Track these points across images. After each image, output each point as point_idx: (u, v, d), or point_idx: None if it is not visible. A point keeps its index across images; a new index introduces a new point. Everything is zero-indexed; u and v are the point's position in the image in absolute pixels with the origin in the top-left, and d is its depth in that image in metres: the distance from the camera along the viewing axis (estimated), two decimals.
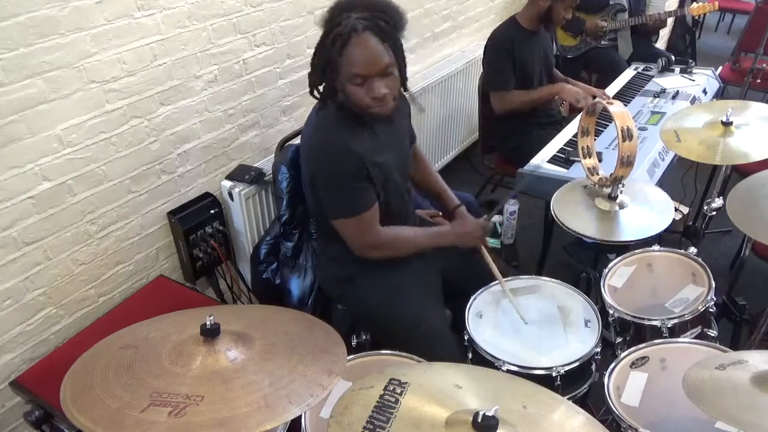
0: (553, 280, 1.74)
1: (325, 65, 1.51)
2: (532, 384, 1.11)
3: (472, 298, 1.67)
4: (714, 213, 2.08)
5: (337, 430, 0.93)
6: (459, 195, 2.30)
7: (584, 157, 1.95)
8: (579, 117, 2.08)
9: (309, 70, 1.58)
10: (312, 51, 1.55)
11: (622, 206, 1.80)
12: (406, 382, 1.01)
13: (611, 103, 1.80)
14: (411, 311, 1.68)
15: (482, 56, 2.84)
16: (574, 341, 1.53)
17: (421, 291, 1.75)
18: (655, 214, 1.78)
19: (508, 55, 2.69)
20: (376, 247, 1.66)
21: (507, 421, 0.92)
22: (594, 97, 2.58)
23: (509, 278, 1.75)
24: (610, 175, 1.82)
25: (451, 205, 1.93)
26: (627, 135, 1.71)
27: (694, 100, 2.74)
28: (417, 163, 1.97)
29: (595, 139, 2.40)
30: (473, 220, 1.83)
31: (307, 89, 1.61)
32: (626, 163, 1.74)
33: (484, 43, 2.80)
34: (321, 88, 1.59)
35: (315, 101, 1.65)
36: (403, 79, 1.58)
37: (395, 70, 1.52)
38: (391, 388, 1.00)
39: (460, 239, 1.78)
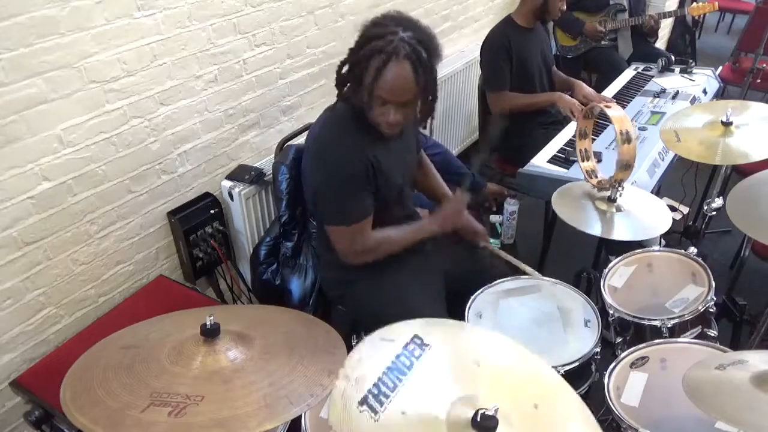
0: (553, 280, 1.74)
1: (355, 69, 1.51)
2: (560, 385, 1.06)
3: (472, 298, 1.67)
4: (714, 213, 2.08)
5: (344, 384, 0.92)
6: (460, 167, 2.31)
7: (582, 160, 1.95)
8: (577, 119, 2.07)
9: (309, 71, 1.57)
10: (312, 51, 1.55)
11: (619, 209, 1.80)
12: (428, 344, 1.00)
13: (609, 107, 1.80)
14: (412, 315, 1.67)
15: (479, 57, 2.85)
16: (574, 341, 1.53)
17: (423, 294, 1.74)
18: (651, 221, 1.77)
19: (506, 53, 2.69)
20: (361, 253, 1.67)
21: (509, 419, 0.92)
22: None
23: (509, 278, 1.75)
24: (610, 177, 1.82)
25: (438, 197, 1.94)
26: (626, 138, 1.71)
27: (694, 100, 2.74)
28: (421, 166, 1.97)
29: (594, 140, 2.41)
30: (447, 200, 1.80)
31: (307, 89, 1.61)
32: (625, 166, 1.74)
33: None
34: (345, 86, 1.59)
35: (314, 102, 1.65)
36: (427, 111, 1.59)
37: (417, 102, 1.53)
38: (411, 347, 0.98)
39: (441, 224, 1.74)
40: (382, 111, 1.51)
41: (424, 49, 1.48)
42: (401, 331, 1.01)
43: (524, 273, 1.79)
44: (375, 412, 0.89)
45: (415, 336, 1.00)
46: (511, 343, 1.10)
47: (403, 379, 0.93)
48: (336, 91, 1.63)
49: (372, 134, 1.59)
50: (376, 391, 0.91)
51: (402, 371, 0.94)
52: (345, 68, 1.56)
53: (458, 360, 1.01)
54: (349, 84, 1.57)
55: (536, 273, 1.77)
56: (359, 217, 1.60)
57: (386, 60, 1.44)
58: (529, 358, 1.10)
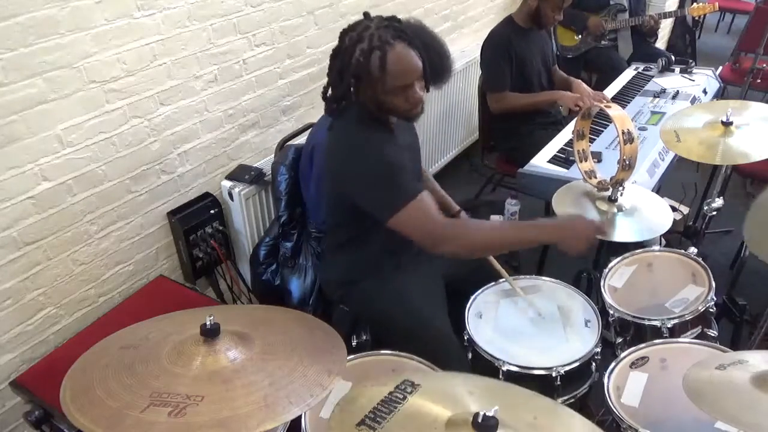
0: (553, 280, 1.74)
1: (355, 78, 1.48)
2: (555, 403, 1.08)
3: (472, 298, 1.67)
4: (714, 213, 2.08)
5: (339, 414, 0.93)
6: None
7: (580, 161, 1.95)
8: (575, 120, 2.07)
9: (309, 71, 1.57)
10: (312, 51, 1.55)
11: (620, 209, 1.79)
12: (419, 384, 1.01)
13: (609, 107, 1.80)
14: (415, 313, 1.68)
15: (479, 56, 2.85)
16: (574, 341, 1.53)
17: (425, 294, 1.74)
18: (653, 220, 1.77)
19: (505, 53, 2.69)
20: (444, 238, 1.47)
21: (510, 426, 0.92)
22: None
23: (510, 278, 1.75)
24: (611, 178, 1.81)
25: (451, 212, 1.93)
26: (628, 138, 1.71)
27: (694, 100, 2.74)
28: None
29: (594, 140, 2.41)
30: (586, 221, 1.52)
31: (307, 89, 1.60)
32: (627, 166, 1.74)
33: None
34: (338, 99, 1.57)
35: (314, 101, 1.64)
36: (427, 78, 1.57)
37: (426, 72, 1.53)
38: (403, 386, 1.00)
39: (565, 236, 1.48)
40: (406, 95, 1.50)
41: (396, 22, 1.51)
42: (392, 377, 1.03)
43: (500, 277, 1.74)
44: (373, 429, 0.90)
45: (406, 380, 1.01)
46: (502, 384, 1.13)
47: (398, 406, 0.94)
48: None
49: (383, 133, 1.60)
50: (372, 416, 0.92)
51: (397, 401, 0.95)
52: (335, 88, 1.54)
53: (452, 392, 1.02)
54: (349, 96, 1.55)
55: (510, 279, 1.72)
56: (412, 193, 1.47)
57: (383, 52, 1.44)
58: (523, 391, 1.10)
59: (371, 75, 1.45)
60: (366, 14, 1.53)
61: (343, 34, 1.52)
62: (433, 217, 1.48)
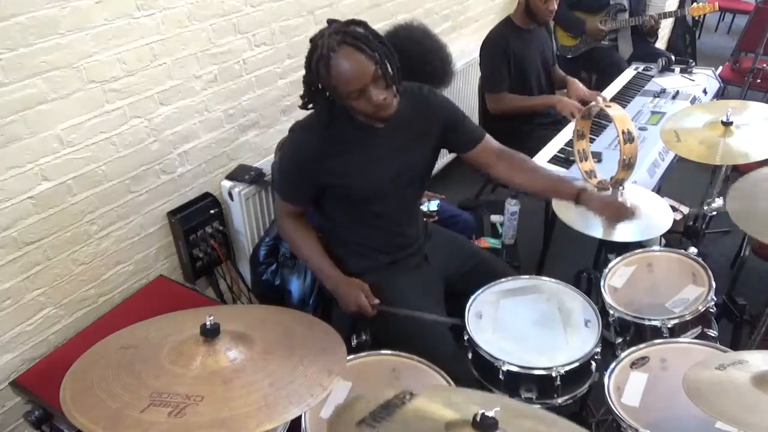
0: (553, 280, 1.73)
1: (318, 88, 1.51)
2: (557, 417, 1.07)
3: (472, 298, 1.67)
4: (714, 213, 2.08)
5: (336, 417, 0.93)
6: (462, 216, 2.31)
7: (580, 161, 1.94)
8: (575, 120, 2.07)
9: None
10: None
11: None
12: (417, 394, 1.01)
13: (609, 106, 1.79)
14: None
15: (478, 57, 2.85)
16: (574, 341, 1.52)
17: (423, 293, 1.74)
18: (653, 220, 1.77)
19: (503, 54, 2.69)
20: (281, 229, 1.78)
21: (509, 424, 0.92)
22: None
23: (509, 278, 1.74)
24: (611, 178, 1.81)
25: (572, 194, 1.66)
26: (628, 138, 1.71)
27: (694, 100, 2.74)
28: (503, 163, 1.75)
29: (594, 140, 2.41)
30: (356, 292, 1.66)
31: None
32: (627, 165, 1.73)
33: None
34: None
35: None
36: (394, 78, 1.52)
37: (386, 71, 1.48)
38: (402, 395, 1.00)
39: (336, 293, 1.69)
40: (366, 98, 1.47)
41: (355, 26, 1.48)
42: (392, 388, 1.02)
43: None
44: (373, 427, 0.90)
45: (405, 390, 1.01)
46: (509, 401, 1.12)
47: (397, 410, 0.94)
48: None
49: (349, 134, 1.59)
50: (371, 417, 0.91)
51: (396, 406, 0.95)
52: (304, 96, 1.56)
53: (452, 399, 1.02)
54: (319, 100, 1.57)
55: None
56: (284, 197, 1.69)
57: (327, 59, 1.42)
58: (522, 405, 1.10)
59: (324, 83, 1.47)
60: (329, 21, 1.50)
61: (309, 43, 1.51)
62: (283, 219, 1.73)
